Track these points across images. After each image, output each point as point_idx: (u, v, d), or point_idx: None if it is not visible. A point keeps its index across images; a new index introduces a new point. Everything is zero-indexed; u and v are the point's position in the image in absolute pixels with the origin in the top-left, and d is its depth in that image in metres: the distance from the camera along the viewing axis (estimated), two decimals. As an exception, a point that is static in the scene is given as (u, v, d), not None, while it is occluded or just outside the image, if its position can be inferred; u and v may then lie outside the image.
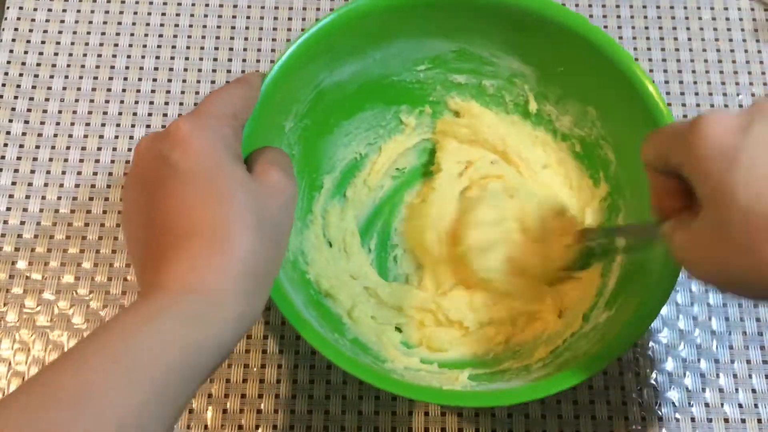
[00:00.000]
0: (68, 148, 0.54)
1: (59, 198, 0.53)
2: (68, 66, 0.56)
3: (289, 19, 0.59)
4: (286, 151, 0.46)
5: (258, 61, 0.57)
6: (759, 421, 0.49)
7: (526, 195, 0.51)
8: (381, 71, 0.51)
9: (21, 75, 0.56)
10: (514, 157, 0.53)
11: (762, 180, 0.30)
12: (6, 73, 0.56)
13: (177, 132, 0.35)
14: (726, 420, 0.49)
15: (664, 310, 0.51)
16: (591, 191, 0.51)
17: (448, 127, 0.54)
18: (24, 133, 0.55)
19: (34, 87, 0.56)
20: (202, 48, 0.57)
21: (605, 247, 0.49)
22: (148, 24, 0.58)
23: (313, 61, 0.46)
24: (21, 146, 0.54)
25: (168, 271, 0.33)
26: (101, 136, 0.55)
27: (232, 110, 0.38)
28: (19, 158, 0.54)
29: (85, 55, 0.57)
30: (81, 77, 0.56)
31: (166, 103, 0.56)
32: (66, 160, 0.54)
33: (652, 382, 0.50)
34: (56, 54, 0.57)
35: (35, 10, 0.58)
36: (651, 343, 0.51)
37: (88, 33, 0.57)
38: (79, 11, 0.58)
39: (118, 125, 0.55)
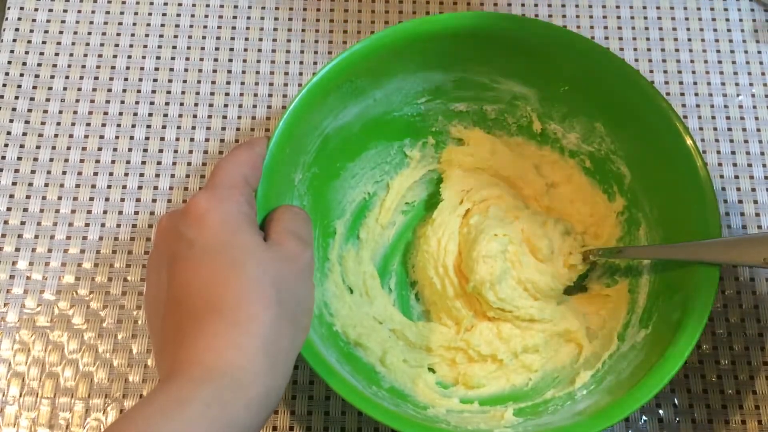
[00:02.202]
0: (69, 148, 0.54)
1: (60, 198, 0.53)
2: (69, 66, 0.56)
3: (290, 19, 0.59)
4: (297, 203, 0.46)
5: (258, 61, 0.57)
6: (759, 422, 0.49)
7: (529, 215, 0.51)
8: (382, 109, 0.50)
9: (22, 75, 0.56)
10: (518, 180, 0.53)
11: None
12: (7, 74, 0.56)
13: (194, 208, 0.36)
14: (727, 422, 0.49)
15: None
16: (606, 206, 0.51)
17: (453, 155, 0.53)
18: (25, 134, 0.55)
19: (34, 87, 0.56)
20: (202, 48, 0.57)
21: (628, 264, 0.49)
22: (148, 24, 0.58)
23: (317, 109, 0.46)
24: (21, 146, 0.54)
25: (186, 354, 0.33)
26: (102, 137, 0.55)
27: (243, 177, 0.39)
28: (19, 158, 0.54)
29: (85, 55, 0.57)
30: (82, 77, 0.56)
31: (167, 104, 0.56)
32: (66, 161, 0.54)
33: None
34: (57, 54, 0.57)
35: (36, 10, 0.58)
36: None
37: (89, 33, 0.57)
38: (79, 12, 0.58)
39: (118, 125, 0.55)
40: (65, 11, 0.58)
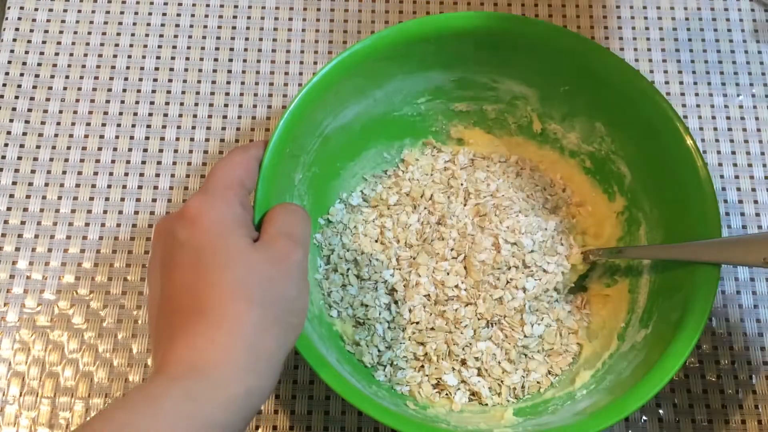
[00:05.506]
0: (69, 148, 0.54)
1: (60, 198, 0.53)
2: (69, 66, 0.56)
3: (290, 19, 0.59)
4: (298, 203, 0.46)
5: (258, 61, 0.57)
6: (759, 422, 0.49)
7: None
8: (383, 109, 0.50)
9: (22, 75, 0.56)
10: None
11: None
12: (7, 73, 0.56)
13: (188, 211, 0.37)
14: (726, 422, 0.49)
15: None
16: (606, 205, 0.51)
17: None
18: (25, 133, 0.55)
19: (34, 87, 0.56)
20: (202, 48, 0.57)
21: (629, 264, 0.49)
22: (148, 24, 0.58)
23: (317, 109, 0.46)
24: (21, 146, 0.54)
25: (170, 353, 0.34)
26: (102, 136, 0.55)
27: (238, 179, 0.39)
28: (19, 158, 0.54)
29: (85, 55, 0.57)
30: (82, 77, 0.56)
31: (167, 103, 0.56)
32: (67, 160, 0.54)
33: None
34: (57, 54, 0.57)
35: (36, 10, 0.58)
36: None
37: (89, 33, 0.57)
38: (80, 11, 0.58)
39: (118, 125, 0.55)
40: (65, 11, 0.58)
